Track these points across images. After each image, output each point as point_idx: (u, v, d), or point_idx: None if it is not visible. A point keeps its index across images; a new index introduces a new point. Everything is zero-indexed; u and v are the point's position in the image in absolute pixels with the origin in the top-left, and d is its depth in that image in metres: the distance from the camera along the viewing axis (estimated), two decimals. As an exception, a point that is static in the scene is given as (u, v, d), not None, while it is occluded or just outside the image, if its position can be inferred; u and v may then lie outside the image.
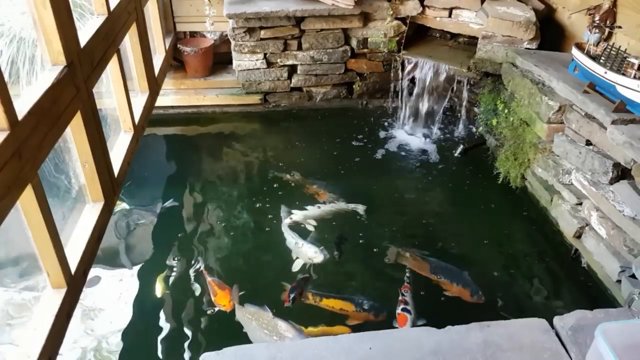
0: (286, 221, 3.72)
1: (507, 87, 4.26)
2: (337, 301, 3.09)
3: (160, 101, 4.55)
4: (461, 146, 4.71)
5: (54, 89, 2.12)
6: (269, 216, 3.83)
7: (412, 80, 5.06)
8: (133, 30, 3.50)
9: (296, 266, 3.38)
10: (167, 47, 4.77)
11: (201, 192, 4.21)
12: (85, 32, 2.65)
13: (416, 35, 5.17)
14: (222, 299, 3.07)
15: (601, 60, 3.35)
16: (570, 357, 2.13)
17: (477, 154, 4.63)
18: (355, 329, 2.83)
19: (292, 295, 3.07)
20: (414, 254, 3.48)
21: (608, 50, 3.36)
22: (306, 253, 3.42)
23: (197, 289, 3.25)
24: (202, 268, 3.35)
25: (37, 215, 1.97)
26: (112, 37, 2.99)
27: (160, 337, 2.97)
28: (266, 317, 2.89)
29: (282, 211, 3.82)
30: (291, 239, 3.55)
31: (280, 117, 5.21)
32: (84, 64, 2.46)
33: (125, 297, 3.22)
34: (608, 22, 3.62)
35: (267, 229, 3.72)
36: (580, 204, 3.47)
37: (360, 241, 3.63)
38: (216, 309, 3.06)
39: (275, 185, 4.18)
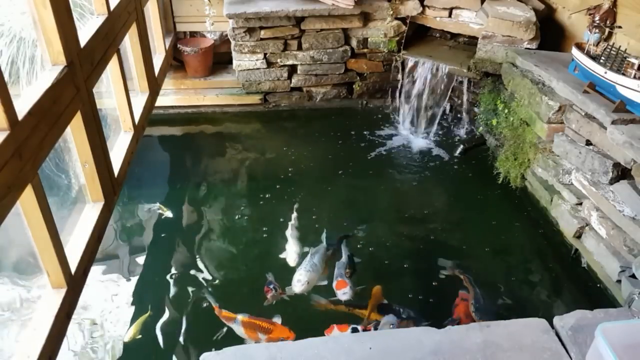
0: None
1: (507, 87, 4.26)
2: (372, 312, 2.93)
3: (160, 101, 4.55)
4: (461, 146, 4.71)
5: (54, 89, 2.12)
6: (270, 217, 3.83)
7: (412, 80, 5.05)
8: (133, 30, 3.50)
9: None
10: (167, 47, 4.76)
11: (201, 192, 4.20)
12: (85, 32, 2.65)
13: (416, 35, 5.17)
14: (281, 332, 2.78)
15: (601, 60, 3.35)
16: (570, 357, 2.13)
17: (477, 154, 4.63)
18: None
19: (271, 285, 2.98)
20: (467, 279, 3.24)
21: (608, 50, 3.36)
22: (294, 276, 3.13)
23: (197, 292, 3.25)
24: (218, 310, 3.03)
25: (37, 215, 1.97)
26: (112, 37, 2.99)
27: (160, 337, 2.97)
28: None
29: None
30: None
31: (280, 117, 5.21)
32: (84, 64, 2.46)
33: (124, 296, 3.22)
34: (608, 22, 3.62)
35: (268, 230, 3.72)
36: (580, 204, 3.47)
37: (358, 246, 3.61)
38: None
39: (277, 186, 4.18)
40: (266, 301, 3.00)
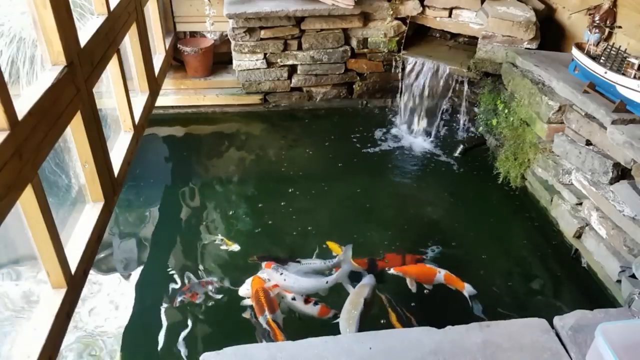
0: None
1: (507, 87, 4.26)
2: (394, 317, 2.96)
3: (160, 101, 4.55)
4: (461, 146, 4.71)
5: (54, 89, 2.12)
6: (269, 217, 3.83)
7: (412, 80, 5.05)
8: (133, 30, 3.50)
9: None
10: (167, 47, 4.77)
11: (201, 192, 4.20)
12: (85, 32, 2.65)
13: (416, 35, 5.17)
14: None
15: (601, 60, 3.35)
16: (570, 357, 2.13)
17: (477, 154, 4.63)
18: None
19: (180, 298, 3.12)
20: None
21: (608, 50, 3.36)
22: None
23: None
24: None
25: (37, 215, 1.97)
26: (112, 37, 2.99)
27: (159, 337, 2.97)
28: None
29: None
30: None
31: (280, 117, 5.21)
32: (84, 64, 2.46)
33: (124, 296, 3.22)
34: (608, 22, 3.62)
35: (267, 230, 3.72)
36: (580, 204, 3.47)
37: (358, 248, 3.60)
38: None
39: (277, 186, 4.18)
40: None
